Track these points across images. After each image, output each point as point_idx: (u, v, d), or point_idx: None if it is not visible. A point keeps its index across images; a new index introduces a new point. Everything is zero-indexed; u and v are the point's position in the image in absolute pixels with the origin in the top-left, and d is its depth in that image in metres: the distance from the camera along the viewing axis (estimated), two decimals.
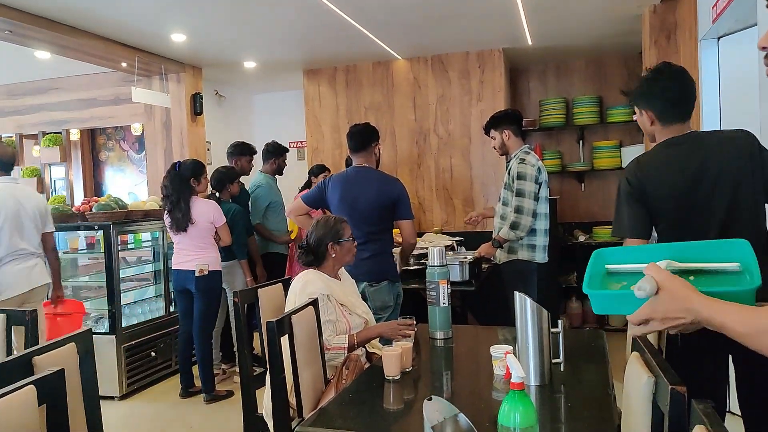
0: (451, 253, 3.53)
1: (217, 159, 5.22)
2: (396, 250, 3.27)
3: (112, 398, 3.55)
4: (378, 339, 2.14)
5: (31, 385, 1.12)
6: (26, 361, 1.35)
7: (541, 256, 3.01)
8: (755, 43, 0.93)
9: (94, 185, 6.25)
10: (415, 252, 3.30)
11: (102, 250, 3.62)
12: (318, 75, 5.01)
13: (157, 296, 4.09)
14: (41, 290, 3.07)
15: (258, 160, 4.32)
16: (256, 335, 3.78)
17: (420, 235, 4.22)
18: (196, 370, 3.55)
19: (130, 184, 6.10)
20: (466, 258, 3.22)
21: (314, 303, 1.99)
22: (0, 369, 1.30)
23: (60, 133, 5.50)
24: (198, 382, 3.52)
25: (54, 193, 5.80)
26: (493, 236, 3.05)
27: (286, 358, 1.76)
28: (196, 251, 3.37)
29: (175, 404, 3.47)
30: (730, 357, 1.67)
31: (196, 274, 3.34)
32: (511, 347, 1.74)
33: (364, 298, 2.66)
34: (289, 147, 5.45)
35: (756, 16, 2.45)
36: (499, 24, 3.95)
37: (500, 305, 2.92)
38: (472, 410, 1.40)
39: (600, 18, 3.91)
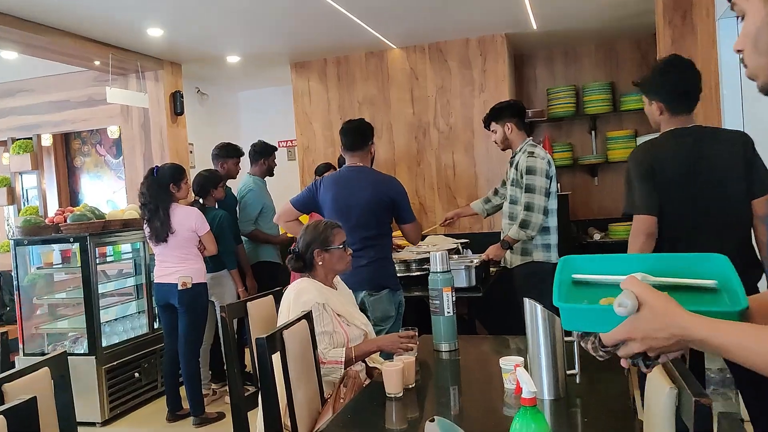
0: (456, 256, 3.52)
1: (200, 162, 5.21)
2: (398, 255, 3.27)
3: (93, 424, 3.53)
4: (378, 353, 2.13)
5: (0, 416, 1.11)
6: None
7: (556, 256, 3.01)
8: None
9: (70, 194, 6.24)
10: (416, 257, 3.30)
11: (78, 264, 3.61)
12: (307, 68, 5.01)
13: (139, 312, 4.08)
14: None
15: (245, 161, 4.31)
16: (247, 351, 3.76)
17: (423, 237, 4.21)
18: (183, 391, 3.53)
19: (109, 191, 6.09)
20: (472, 262, 3.21)
21: (308, 316, 1.98)
22: None
23: (31, 138, 5.49)
24: (186, 404, 3.50)
25: (26, 203, 5.78)
26: (502, 237, 3.05)
27: (278, 376, 1.75)
28: (178, 263, 3.37)
29: (161, 429, 3.46)
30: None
31: (179, 288, 3.34)
32: (522, 359, 1.73)
33: (363, 309, 2.65)
34: (278, 146, 5.45)
35: None
36: (500, 7, 3.95)
37: (511, 312, 2.91)
38: (481, 428, 1.39)
39: None
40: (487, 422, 1.52)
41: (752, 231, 2.01)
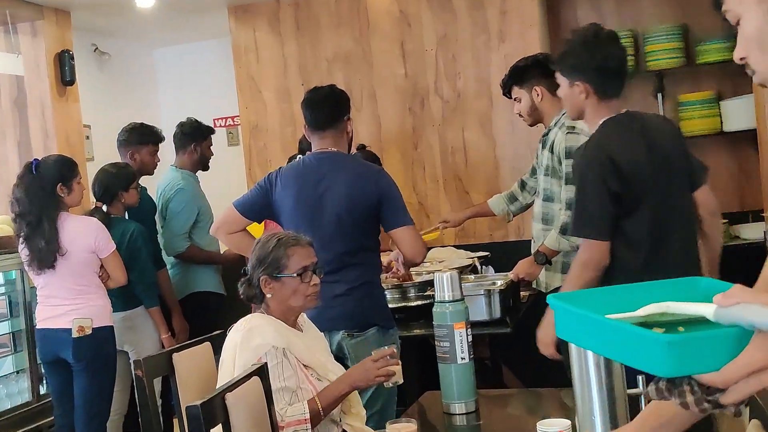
0: (472, 277, 3.53)
1: (101, 152, 5.18)
2: (390, 279, 3.27)
3: None
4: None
5: None
6: None
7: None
8: None
9: None
10: (416, 280, 3.31)
11: None
12: (252, 14, 5.01)
13: (17, 372, 4.04)
14: None
15: (167, 149, 4.28)
16: (176, 422, 3.74)
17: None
18: None
19: None
20: (495, 284, 3.23)
21: (261, 370, 1.98)
22: None
23: None
24: None
25: None
26: (534, 249, 3.06)
27: None
28: (71, 299, 3.35)
29: None
30: None
31: (74, 335, 3.32)
32: (569, 422, 1.74)
33: (341, 358, 2.66)
34: (215, 126, 5.43)
35: None
36: None
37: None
38: None
39: None
40: None
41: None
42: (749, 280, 1.07)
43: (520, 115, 3.21)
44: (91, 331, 3.33)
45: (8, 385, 3.97)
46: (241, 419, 1.81)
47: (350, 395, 2.22)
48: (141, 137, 4.09)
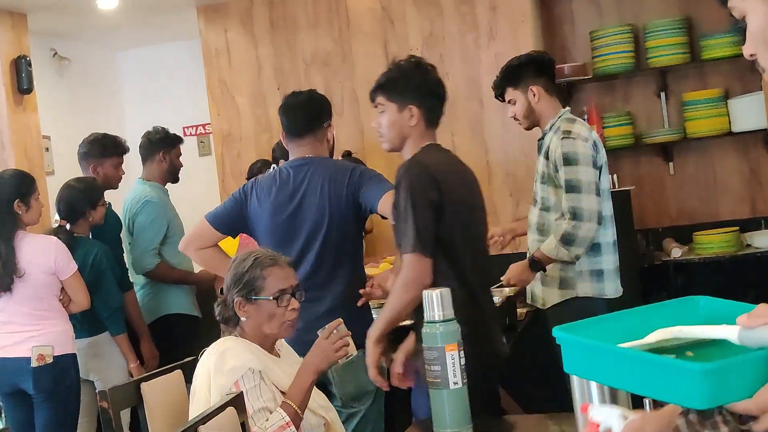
0: None
1: (62, 164, 5.17)
2: (374, 294, 3.24)
3: None
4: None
5: None
6: None
7: (613, 288, 3.04)
8: None
9: None
10: None
11: None
12: (223, 14, 5.02)
13: None
14: None
15: (133, 162, 4.26)
16: None
17: None
18: None
19: None
20: None
21: (237, 399, 1.98)
22: None
23: None
24: None
25: None
26: (530, 254, 3.08)
27: None
28: (30, 324, 3.34)
29: None
30: None
31: (33, 364, 3.30)
32: None
33: (324, 384, 2.65)
34: (185, 135, 5.41)
35: None
36: None
37: (552, 374, 2.92)
38: None
39: None
40: None
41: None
42: (762, 293, 1.06)
43: (515, 119, 3.19)
44: (52, 360, 3.33)
45: None
46: None
47: (335, 426, 2.22)
48: (104, 149, 4.08)
